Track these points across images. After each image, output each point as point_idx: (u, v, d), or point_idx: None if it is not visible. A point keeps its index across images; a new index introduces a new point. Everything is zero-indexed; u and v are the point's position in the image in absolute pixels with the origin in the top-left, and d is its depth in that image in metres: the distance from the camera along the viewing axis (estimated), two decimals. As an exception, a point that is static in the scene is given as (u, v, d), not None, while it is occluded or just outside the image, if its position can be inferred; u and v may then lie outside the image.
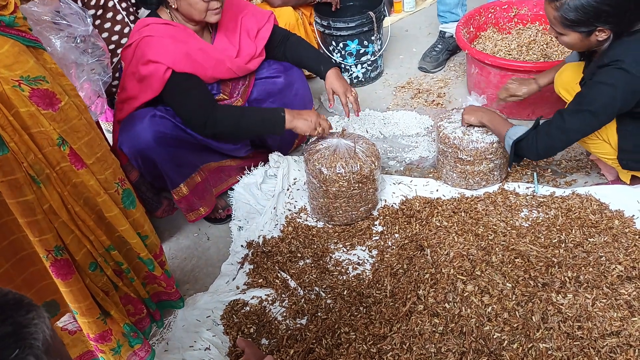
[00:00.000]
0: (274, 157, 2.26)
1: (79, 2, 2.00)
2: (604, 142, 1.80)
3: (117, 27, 2.11)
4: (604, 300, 1.52)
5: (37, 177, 1.11)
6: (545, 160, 2.19)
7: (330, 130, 2.02)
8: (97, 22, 2.06)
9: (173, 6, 1.87)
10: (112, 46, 2.13)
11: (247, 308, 1.78)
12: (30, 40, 1.08)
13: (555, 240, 1.77)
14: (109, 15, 2.09)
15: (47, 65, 1.10)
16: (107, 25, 2.09)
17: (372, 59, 2.81)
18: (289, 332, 1.67)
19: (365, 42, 2.73)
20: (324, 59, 2.20)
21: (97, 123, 1.79)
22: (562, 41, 1.70)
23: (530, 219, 1.91)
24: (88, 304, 1.27)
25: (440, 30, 2.94)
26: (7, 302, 0.57)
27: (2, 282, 1.28)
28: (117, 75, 2.13)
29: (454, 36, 2.76)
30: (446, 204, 2.03)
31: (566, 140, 1.77)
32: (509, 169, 2.14)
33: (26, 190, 1.09)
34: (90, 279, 1.29)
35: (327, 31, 2.71)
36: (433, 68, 2.89)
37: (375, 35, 2.72)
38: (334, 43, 2.74)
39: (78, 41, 1.73)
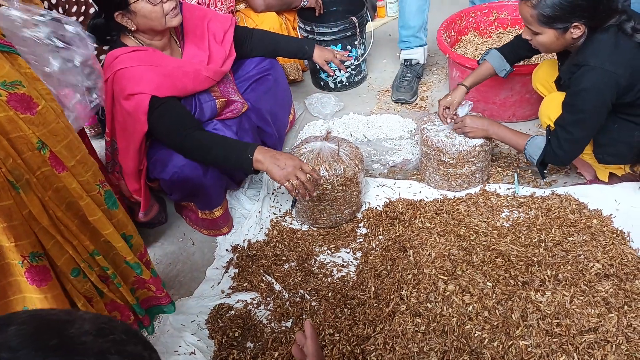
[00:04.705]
0: None
1: (60, 9, 2.00)
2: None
3: None
4: (582, 298, 1.55)
5: (16, 182, 1.11)
6: (525, 161, 2.23)
7: (314, 180, 1.76)
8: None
9: (132, 28, 1.79)
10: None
11: (232, 312, 1.79)
12: (4, 46, 1.08)
13: (536, 240, 1.81)
14: None
15: (22, 70, 1.10)
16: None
17: (356, 63, 2.84)
18: (274, 335, 1.68)
19: (349, 47, 2.75)
20: (301, 40, 2.42)
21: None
22: (538, 41, 1.74)
23: (511, 219, 1.94)
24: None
25: (405, 59, 2.83)
26: (148, 343, 0.63)
27: None
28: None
29: (420, 62, 2.80)
30: (429, 206, 2.05)
31: (581, 146, 1.81)
32: (543, 180, 2.14)
33: (3, 196, 1.08)
34: (72, 285, 1.28)
35: (310, 36, 2.73)
36: (411, 97, 2.76)
37: (358, 39, 2.75)
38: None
39: (77, 63, 1.68)
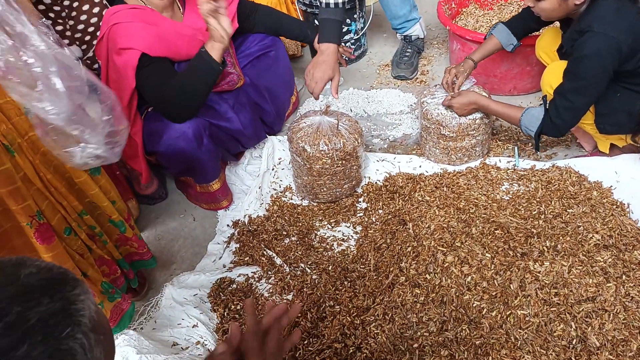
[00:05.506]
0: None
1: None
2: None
3: (96, 10, 2.08)
4: (580, 268, 1.56)
5: (10, 146, 1.14)
6: (525, 134, 2.21)
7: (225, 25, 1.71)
8: (75, 4, 2.02)
9: None
10: (91, 28, 2.10)
11: (234, 285, 1.81)
12: None
13: (535, 212, 1.81)
14: None
15: None
16: (86, 7, 2.05)
17: (355, 37, 2.80)
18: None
19: (348, 21, 2.72)
20: (304, 24, 2.30)
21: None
22: (540, 7, 1.72)
23: (511, 192, 1.94)
24: (70, 266, 1.32)
25: (405, 35, 2.77)
26: (54, 277, 0.55)
27: None
28: (96, 66, 2.10)
29: (420, 36, 2.75)
30: (429, 180, 2.05)
31: (579, 115, 1.80)
32: (543, 153, 2.14)
33: (4, 159, 1.11)
34: (65, 243, 1.33)
35: (309, 10, 2.70)
36: (411, 74, 2.73)
37: (357, 13, 2.71)
38: (316, 22, 2.72)
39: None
